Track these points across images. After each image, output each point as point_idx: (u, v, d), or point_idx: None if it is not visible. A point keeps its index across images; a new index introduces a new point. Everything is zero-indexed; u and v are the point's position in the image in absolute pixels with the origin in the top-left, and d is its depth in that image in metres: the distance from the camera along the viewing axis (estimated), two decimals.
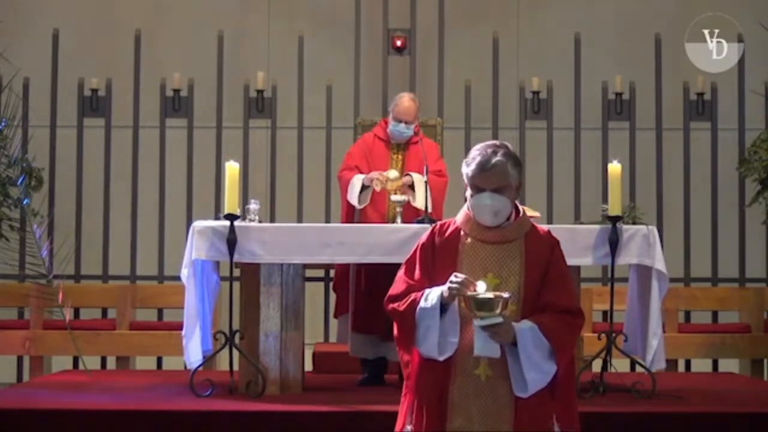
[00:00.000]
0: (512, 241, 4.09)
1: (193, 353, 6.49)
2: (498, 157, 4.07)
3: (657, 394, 6.41)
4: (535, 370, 3.94)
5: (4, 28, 9.19)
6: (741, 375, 8.47)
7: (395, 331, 4.15)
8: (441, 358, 4.00)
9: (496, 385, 3.99)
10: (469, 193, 4.13)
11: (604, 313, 8.07)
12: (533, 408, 3.99)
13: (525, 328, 3.95)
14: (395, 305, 4.10)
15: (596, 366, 6.71)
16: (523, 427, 3.97)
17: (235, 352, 6.52)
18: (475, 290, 3.91)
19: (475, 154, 4.11)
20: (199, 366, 6.52)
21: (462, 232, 4.13)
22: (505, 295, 3.89)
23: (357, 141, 8.06)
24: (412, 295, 4.06)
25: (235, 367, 6.52)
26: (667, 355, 6.94)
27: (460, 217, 4.18)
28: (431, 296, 4.00)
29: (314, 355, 8.16)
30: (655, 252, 6.55)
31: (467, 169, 4.11)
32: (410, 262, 4.18)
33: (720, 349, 8.46)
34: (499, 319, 3.87)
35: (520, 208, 4.18)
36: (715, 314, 8.95)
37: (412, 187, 7.30)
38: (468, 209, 4.15)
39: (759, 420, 5.92)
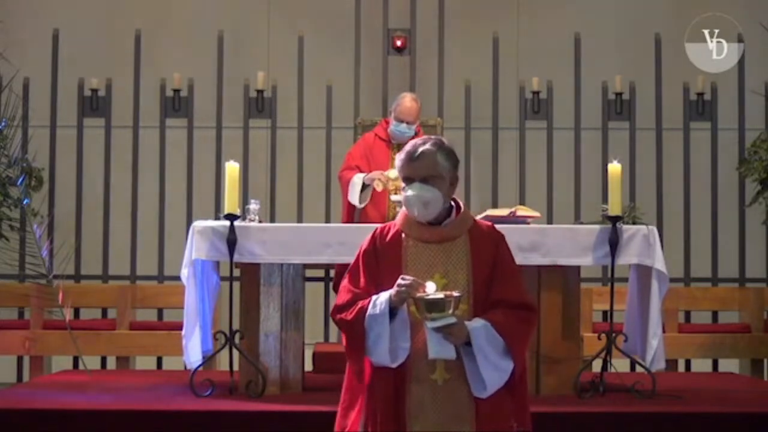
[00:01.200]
0: (455, 238, 3.99)
1: (193, 353, 6.49)
2: (427, 147, 3.98)
3: (657, 394, 6.40)
4: (492, 368, 3.86)
5: (4, 28, 9.19)
6: (741, 375, 8.46)
7: (344, 342, 4.02)
8: (394, 365, 3.89)
9: (454, 388, 3.91)
10: (403, 187, 4.04)
11: (604, 313, 8.07)
12: (493, 408, 3.91)
13: (478, 326, 3.86)
14: (342, 315, 3.97)
15: (596, 366, 6.70)
16: (484, 429, 3.89)
17: (235, 352, 6.52)
18: (424, 291, 3.81)
19: (407, 147, 4.03)
20: (199, 366, 6.52)
21: (403, 235, 4.02)
22: (456, 294, 3.81)
23: (357, 141, 8.07)
24: (360, 303, 3.94)
25: (235, 367, 6.52)
26: (667, 355, 6.94)
27: (399, 219, 4.07)
28: (379, 302, 3.88)
29: (314, 355, 8.15)
30: (655, 252, 6.55)
31: (397, 162, 4.03)
32: (354, 270, 4.05)
33: (720, 349, 8.45)
34: (452, 320, 3.78)
35: (461, 204, 4.08)
36: (715, 314, 8.94)
37: None
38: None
39: (759, 420, 5.91)
